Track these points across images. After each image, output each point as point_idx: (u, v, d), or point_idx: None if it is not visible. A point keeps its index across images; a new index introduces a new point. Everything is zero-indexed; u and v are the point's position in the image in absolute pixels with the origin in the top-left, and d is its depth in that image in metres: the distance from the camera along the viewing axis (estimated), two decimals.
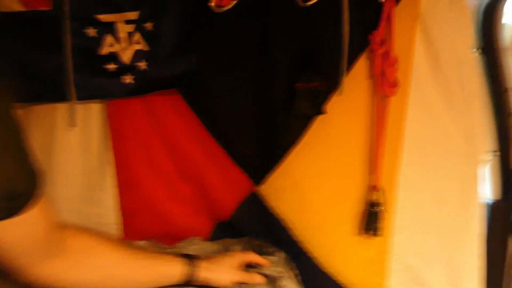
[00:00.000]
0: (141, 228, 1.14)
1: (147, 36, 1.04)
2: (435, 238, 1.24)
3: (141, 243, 1.07)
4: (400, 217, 1.18)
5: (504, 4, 1.14)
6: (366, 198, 1.15)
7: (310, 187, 1.13)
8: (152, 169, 1.15)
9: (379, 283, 1.20)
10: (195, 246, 1.11)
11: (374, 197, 1.14)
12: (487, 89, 1.26)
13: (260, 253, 1.10)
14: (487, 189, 1.36)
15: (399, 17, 1.07)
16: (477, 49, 1.19)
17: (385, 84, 1.08)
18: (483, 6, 1.14)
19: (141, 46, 1.04)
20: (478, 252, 1.27)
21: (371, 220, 1.14)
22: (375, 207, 1.13)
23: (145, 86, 1.07)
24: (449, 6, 1.11)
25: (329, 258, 1.16)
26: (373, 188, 1.13)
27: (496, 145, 1.30)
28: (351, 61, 1.08)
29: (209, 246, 1.13)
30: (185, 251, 1.00)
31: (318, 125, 1.11)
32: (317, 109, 1.08)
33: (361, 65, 1.11)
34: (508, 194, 1.30)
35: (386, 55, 1.07)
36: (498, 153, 1.30)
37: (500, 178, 1.32)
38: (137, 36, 1.04)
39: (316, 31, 1.08)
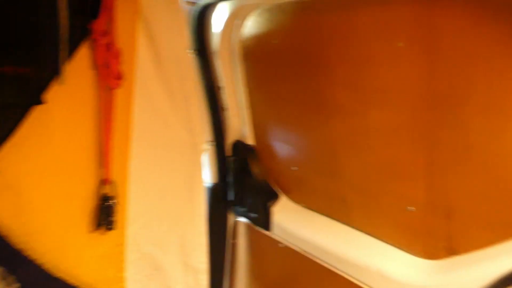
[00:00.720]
0: None
1: None
2: (167, 223, 1.31)
3: None
4: (133, 208, 1.18)
5: (211, 14, 1.33)
6: (97, 192, 1.11)
7: (29, 186, 0.98)
8: None
9: (115, 277, 1.17)
10: None
11: (106, 190, 1.11)
12: (203, 87, 1.44)
13: None
14: (207, 175, 1.56)
15: (121, 9, 1.09)
16: (192, 50, 1.35)
17: (109, 75, 1.07)
18: (195, 13, 1.30)
19: None
20: (203, 230, 1.45)
21: (103, 214, 1.10)
22: (107, 201, 1.11)
23: None
24: (166, 7, 1.22)
25: (60, 262, 1.04)
26: (104, 181, 1.10)
27: (213, 136, 1.52)
28: (71, 49, 1.01)
29: None
30: None
31: (37, 116, 0.98)
32: (30, 98, 0.95)
33: (85, 54, 1.06)
34: (225, 177, 1.54)
35: (109, 46, 1.07)
36: (214, 143, 1.52)
37: (217, 164, 1.55)
38: None
39: (27, 13, 0.95)
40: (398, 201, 1.00)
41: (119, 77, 1.09)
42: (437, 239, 0.95)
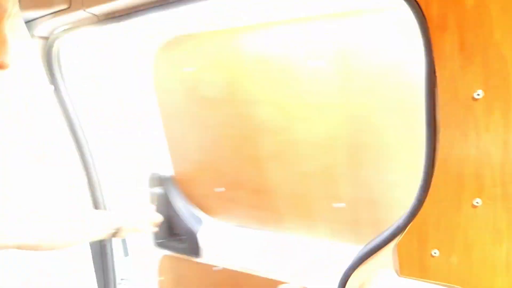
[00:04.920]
0: None
1: None
2: None
3: None
4: None
5: (59, 45, 1.26)
6: None
7: None
8: None
9: None
10: None
11: None
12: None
13: None
14: None
15: None
16: (51, 85, 1.28)
17: None
18: (46, 46, 1.22)
19: None
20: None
21: None
22: None
23: None
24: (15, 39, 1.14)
25: None
26: None
27: None
28: None
29: None
30: None
31: None
32: None
33: None
34: None
35: None
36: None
37: None
38: None
39: None
40: (328, 201, 1.09)
41: None
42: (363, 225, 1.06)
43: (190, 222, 1.35)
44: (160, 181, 1.40)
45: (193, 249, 1.34)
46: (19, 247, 0.89)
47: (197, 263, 1.36)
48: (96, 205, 1.40)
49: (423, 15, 0.66)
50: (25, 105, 1.19)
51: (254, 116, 1.13)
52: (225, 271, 1.30)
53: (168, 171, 1.40)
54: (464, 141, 0.70)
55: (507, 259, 0.73)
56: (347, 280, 0.90)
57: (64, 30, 1.18)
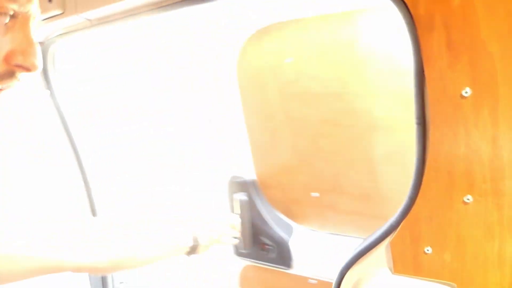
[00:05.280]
0: None
1: None
2: None
3: None
4: None
5: (54, 50, 1.28)
6: None
7: None
8: None
9: None
10: None
11: None
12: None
13: None
14: None
15: None
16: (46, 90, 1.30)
17: None
18: (41, 50, 1.24)
19: None
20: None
21: None
22: None
23: None
24: None
25: None
26: None
27: None
28: None
29: None
30: None
31: None
32: None
33: None
34: None
35: None
36: None
37: None
38: None
39: None
40: None
41: None
42: None
43: (280, 230, 1.22)
44: (243, 185, 1.26)
45: (284, 259, 1.21)
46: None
47: (288, 274, 1.23)
48: (92, 211, 1.40)
49: (411, 15, 0.67)
50: (25, 105, 1.20)
51: (368, 112, 0.99)
52: (321, 283, 1.16)
53: (248, 174, 1.26)
54: (454, 139, 0.71)
55: (499, 254, 0.74)
56: (342, 279, 0.91)
57: (59, 35, 1.19)
